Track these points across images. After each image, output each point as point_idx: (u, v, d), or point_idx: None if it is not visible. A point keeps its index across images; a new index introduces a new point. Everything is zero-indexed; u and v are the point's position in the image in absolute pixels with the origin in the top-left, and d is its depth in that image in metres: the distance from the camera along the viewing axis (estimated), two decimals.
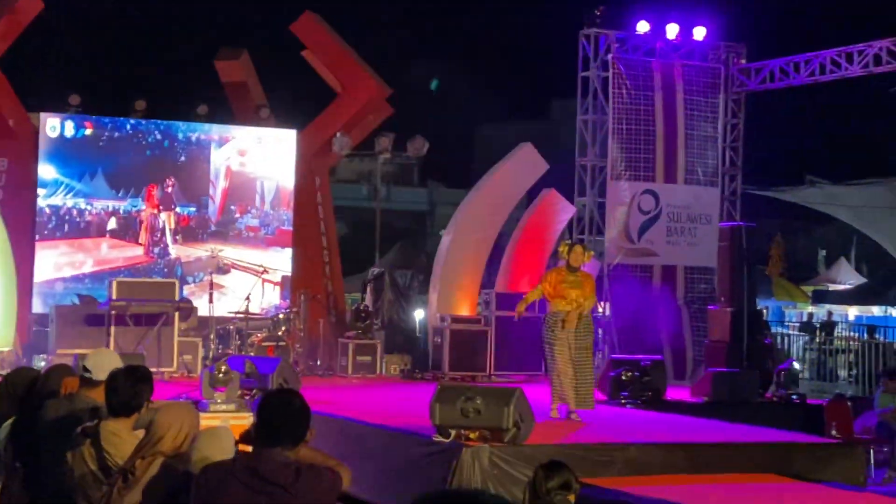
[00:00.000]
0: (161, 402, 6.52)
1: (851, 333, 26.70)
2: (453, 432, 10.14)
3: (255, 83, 21.23)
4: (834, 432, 14.18)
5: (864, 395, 18.18)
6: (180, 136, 19.45)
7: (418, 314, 19.70)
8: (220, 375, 11.12)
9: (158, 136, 19.25)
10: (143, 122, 19.22)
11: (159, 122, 19.38)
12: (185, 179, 19.45)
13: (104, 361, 6.26)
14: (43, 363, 15.38)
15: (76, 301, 17.42)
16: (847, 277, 33.68)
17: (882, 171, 25.66)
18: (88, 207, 18.85)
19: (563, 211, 19.86)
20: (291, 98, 23.08)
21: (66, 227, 18.74)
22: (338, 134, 19.97)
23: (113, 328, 15.82)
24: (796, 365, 17.76)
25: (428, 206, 38.61)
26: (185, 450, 5.16)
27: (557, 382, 12.11)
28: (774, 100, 25.14)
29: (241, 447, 5.03)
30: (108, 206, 18.95)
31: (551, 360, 12.16)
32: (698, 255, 20.45)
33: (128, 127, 19.15)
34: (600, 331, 19.24)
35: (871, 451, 14.00)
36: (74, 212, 18.79)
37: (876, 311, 32.57)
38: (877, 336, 25.56)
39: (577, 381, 12.07)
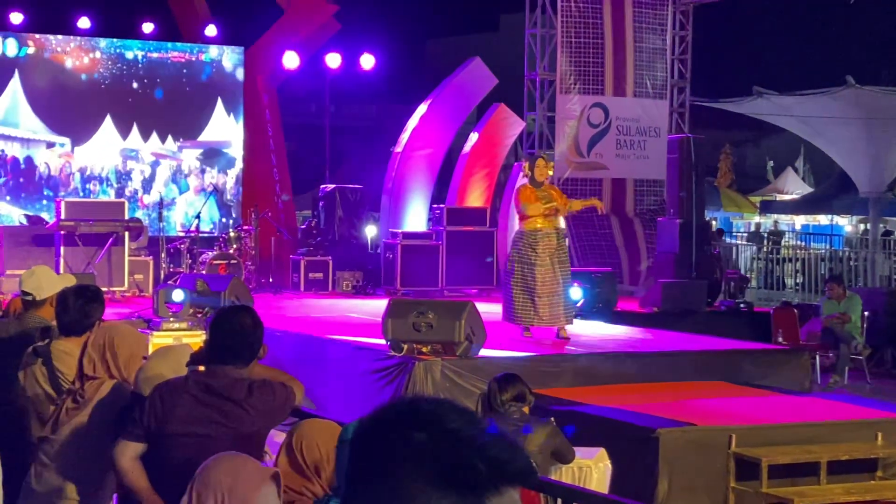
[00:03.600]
0: (112, 322, 6.53)
1: (798, 242, 27.04)
2: (405, 346, 10.23)
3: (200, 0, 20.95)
4: (780, 339, 14.45)
5: (810, 302, 18.46)
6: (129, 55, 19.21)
7: (370, 230, 19.71)
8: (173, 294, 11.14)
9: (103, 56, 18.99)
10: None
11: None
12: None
13: (40, 281, 6.26)
14: None
15: (24, 221, 17.29)
16: (794, 187, 33.98)
17: (829, 82, 25.78)
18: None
19: (512, 126, 19.86)
20: (237, 15, 22.78)
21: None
22: None
23: (63, 248, 15.74)
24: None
25: (377, 122, 38.40)
26: (133, 372, 5.17)
27: (529, 303, 11.63)
28: (722, 11, 25.11)
29: (200, 369, 5.04)
30: None
31: (531, 279, 11.62)
32: (647, 168, 20.54)
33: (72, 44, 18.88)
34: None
35: (817, 357, 14.29)
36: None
37: (822, 220, 32.94)
38: (822, 244, 25.90)
39: (564, 298, 11.70)
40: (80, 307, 5.56)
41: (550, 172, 12.15)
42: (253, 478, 3.59)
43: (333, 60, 21.27)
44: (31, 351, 5.57)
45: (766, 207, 33.63)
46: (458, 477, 1.59)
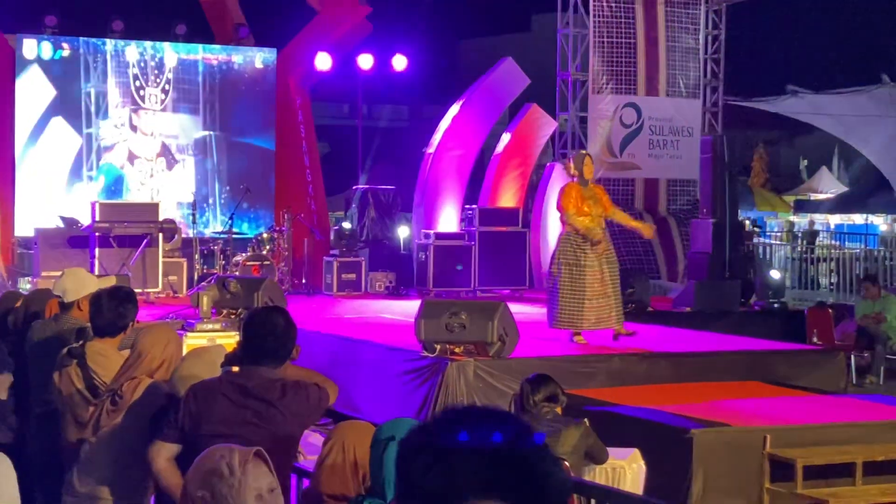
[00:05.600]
0: (145, 322, 6.57)
1: (833, 241, 26.88)
2: (438, 347, 10.24)
3: (233, 2, 21.00)
4: (815, 339, 14.36)
5: (845, 302, 18.34)
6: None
7: (402, 231, 19.74)
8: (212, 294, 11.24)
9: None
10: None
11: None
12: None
13: (66, 284, 6.33)
14: (28, 286, 15.41)
15: (60, 223, 17.40)
16: (829, 186, 33.78)
17: (864, 80, 25.62)
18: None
19: (545, 126, 19.84)
20: (270, 17, 22.87)
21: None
22: None
23: (97, 250, 15.83)
24: (776, 274, 17.84)
25: (409, 123, 38.45)
26: (169, 370, 5.20)
27: (578, 307, 11.23)
28: (756, 10, 25.00)
29: (234, 370, 5.06)
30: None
31: (580, 283, 11.21)
32: (680, 168, 20.48)
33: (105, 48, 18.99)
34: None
35: (852, 358, 14.19)
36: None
37: (857, 219, 32.73)
38: (857, 244, 25.74)
39: (614, 299, 11.31)
40: (114, 308, 5.59)
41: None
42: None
43: (366, 61, 21.30)
44: (65, 352, 5.60)
45: (801, 207, 33.47)
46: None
